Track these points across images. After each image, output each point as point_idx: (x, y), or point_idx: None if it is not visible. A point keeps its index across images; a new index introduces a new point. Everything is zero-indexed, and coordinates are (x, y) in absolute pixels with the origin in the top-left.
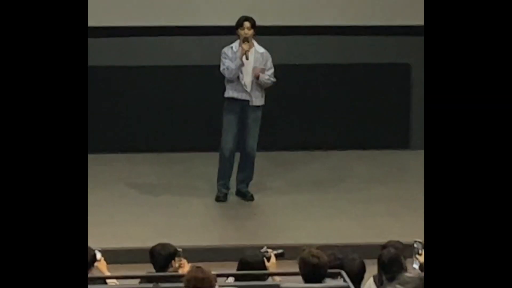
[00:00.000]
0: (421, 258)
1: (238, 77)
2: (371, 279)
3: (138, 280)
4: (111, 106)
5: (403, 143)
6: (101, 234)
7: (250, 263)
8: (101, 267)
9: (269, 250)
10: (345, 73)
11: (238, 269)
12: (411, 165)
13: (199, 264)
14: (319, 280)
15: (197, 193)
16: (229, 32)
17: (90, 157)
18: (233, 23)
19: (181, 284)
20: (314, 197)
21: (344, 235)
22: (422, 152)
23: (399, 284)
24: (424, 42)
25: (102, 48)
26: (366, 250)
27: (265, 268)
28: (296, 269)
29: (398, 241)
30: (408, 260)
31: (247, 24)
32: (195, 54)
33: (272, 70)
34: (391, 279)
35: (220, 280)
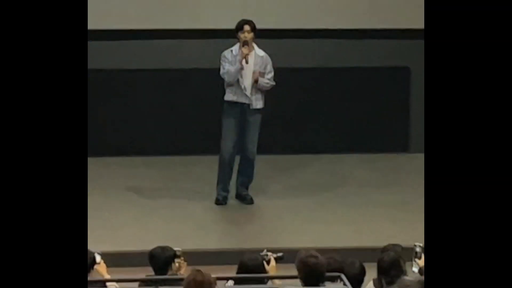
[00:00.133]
0: (421, 262)
1: (238, 81)
2: (371, 283)
3: (138, 283)
4: (111, 109)
5: (402, 147)
6: (101, 237)
7: (250, 266)
8: (101, 270)
9: (269, 254)
10: (345, 76)
11: (237, 272)
12: (410, 168)
13: (199, 267)
14: (318, 283)
15: (196, 196)
16: (229, 35)
17: (90, 160)
18: (233, 26)
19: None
20: (314, 200)
21: (344, 239)
22: (421, 155)
23: (399, 287)
24: (424, 45)
25: (101, 51)
26: (366, 254)
27: (264, 271)
28: (296, 273)
29: (397, 245)
30: (408, 263)
31: (247, 27)
32: (195, 57)
33: (272, 74)
34: (391, 283)
35: (220, 284)
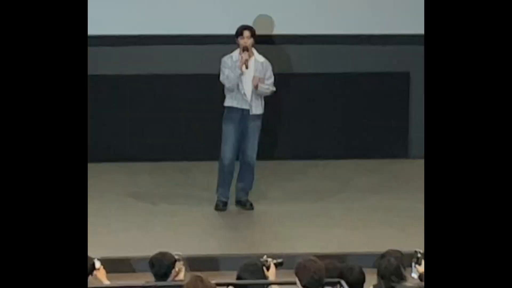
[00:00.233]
0: (421, 268)
1: (237, 86)
2: None
3: None
4: (110, 115)
5: (402, 152)
6: (100, 243)
7: (250, 272)
8: (100, 275)
9: (269, 259)
10: (344, 82)
11: (237, 278)
12: (410, 174)
13: (199, 273)
14: None
15: (196, 202)
16: (229, 41)
17: (89, 166)
18: (233, 32)
19: None
20: (314, 206)
21: (343, 245)
22: (421, 161)
23: None
24: (424, 51)
25: (100, 56)
26: (365, 260)
27: (264, 277)
28: (295, 278)
29: (397, 251)
30: (407, 269)
31: (246, 33)
32: (195, 63)
33: (272, 79)
34: None
35: None
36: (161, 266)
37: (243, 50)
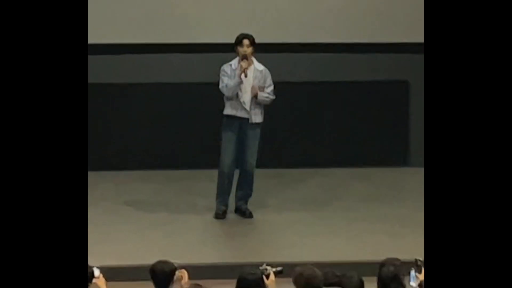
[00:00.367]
0: (421, 276)
1: (237, 95)
2: None
3: None
4: (109, 123)
5: (401, 161)
6: (100, 251)
7: (249, 281)
8: (100, 284)
9: (268, 268)
10: (344, 90)
11: (237, 287)
12: (410, 182)
13: (198, 281)
14: None
15: (196, 211)
16: (228, 49)
17: (89, 174)
18: (232, 40)
19: None
20: (313, 214)
21: (343, 253)
22: (421, 169)
23: None
24: (423, 59)
25: (99, 65)
26: (364, 268)
27: (264, 285)
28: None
29: (396, 259)
30: (406, 278)
31: (246, 41)
32: (194, 71)
33: (271, 88)
34: None
35: None
36: (162, 274)
37: (243, 59)
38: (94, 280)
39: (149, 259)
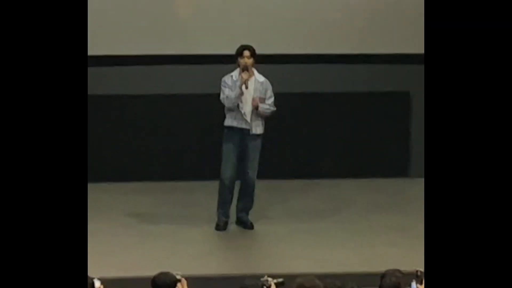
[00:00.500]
0: (422, 287)
1: (238, 106)
2: None
3: None
4: (110, 135)
5: (402, 172)
6: (100, 263)
7: None
8: None
9: (269, 279)
10: (344, 101)
11: None
12: (410, 193)
13: None
14: None
15: (196, 222)
16: (229, 60)
17: (89, 186)
18: (233, 51)
19: None
20: (314, 225)
21: (344, 264)
22: (421, 180)
23: None
24: (424, 70)
25: (99, 76)
26: (366, 279)
27: None
28: None
29: (397, 270)
30: None
31: (246, 53)
32: (195, 82)
33: (272, 99)
34: None
35: None
36: (164, 286)
37: (243, 70)
38: None
39: (150, 271)
